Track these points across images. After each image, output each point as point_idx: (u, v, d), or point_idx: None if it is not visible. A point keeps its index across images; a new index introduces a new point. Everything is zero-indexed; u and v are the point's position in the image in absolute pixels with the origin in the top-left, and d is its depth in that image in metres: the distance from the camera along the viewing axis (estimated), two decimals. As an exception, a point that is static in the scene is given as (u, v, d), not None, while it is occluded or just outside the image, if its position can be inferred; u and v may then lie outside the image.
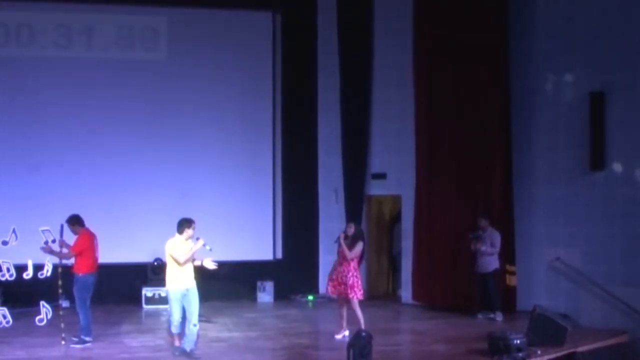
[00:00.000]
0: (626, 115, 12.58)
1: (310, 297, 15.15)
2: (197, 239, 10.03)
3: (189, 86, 14.95)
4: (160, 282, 14.26)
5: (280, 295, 15.04)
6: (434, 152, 13.92)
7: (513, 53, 13.31)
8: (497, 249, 12.88)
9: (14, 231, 10.62)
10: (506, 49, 13.26)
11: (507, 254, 13.14)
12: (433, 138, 13.94)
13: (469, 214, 13.38)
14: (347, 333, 11.05)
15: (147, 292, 14.19)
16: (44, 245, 10.42)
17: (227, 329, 12.01)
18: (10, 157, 14.17)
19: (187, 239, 10.03)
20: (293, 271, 15.24)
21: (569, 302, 12.79)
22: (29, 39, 14.43)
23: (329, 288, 11.31)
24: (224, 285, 13.96)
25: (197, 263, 10.13)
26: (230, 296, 14.50)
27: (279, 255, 15.43)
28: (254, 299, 14.92)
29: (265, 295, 14.95)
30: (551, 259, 13.10)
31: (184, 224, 10.06)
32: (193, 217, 10.23)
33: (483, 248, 12.86)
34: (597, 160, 12.65)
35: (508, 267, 13.17)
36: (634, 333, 11.87)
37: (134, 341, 11.08)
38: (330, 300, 14.98)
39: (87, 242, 10.69)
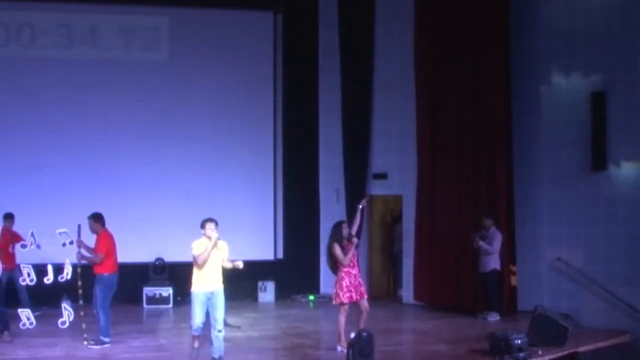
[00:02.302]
0: (627, 115, 12.59)
1: (312, 297, 15.15)
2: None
3: (190, 86, 14.95)
4: (161, 282, 14.34)
5: (282, 295, 15.06)
6: (436, 152, 13.91)
7: (514, 53, 13.28)
8: (496, 249, 12.85)
9: (32, 235, 10.66)
10: (508, 49, 13.24)
11: (509, 254, 13.11)
12: (434, 138, 13.93)
13: (470, 214, 13.37)
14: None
15: (148, 292, 14.21)
16: (78, 255, 10.39)
17: (229, 329, 11.96)
18: (11, 157, 14.16)
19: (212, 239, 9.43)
20: (294, 271, 15.23)
21: (570, 302, 12.78)
22: (30, 39, 14.43)
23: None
24: (225, 285, 13.91)
25: (229, 265, 9.55)
26: (232, 296, 14.25)
27: (280, 255, 15.43)
28: (255, 298, 14.93)
29: (267, 295, 14.96)
30: (553, 259, 13.10)
31: (201, 224, 9.52)
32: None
33: (481, 243, 12.82)
34: (599, 160, 12.65)
35: (510, 267, 13.15)
36: (635, 333, 11.87)
37: (136, 341, 11.07)
38: (330, 299, 15.01)
39: (110, 241, 10.68)
